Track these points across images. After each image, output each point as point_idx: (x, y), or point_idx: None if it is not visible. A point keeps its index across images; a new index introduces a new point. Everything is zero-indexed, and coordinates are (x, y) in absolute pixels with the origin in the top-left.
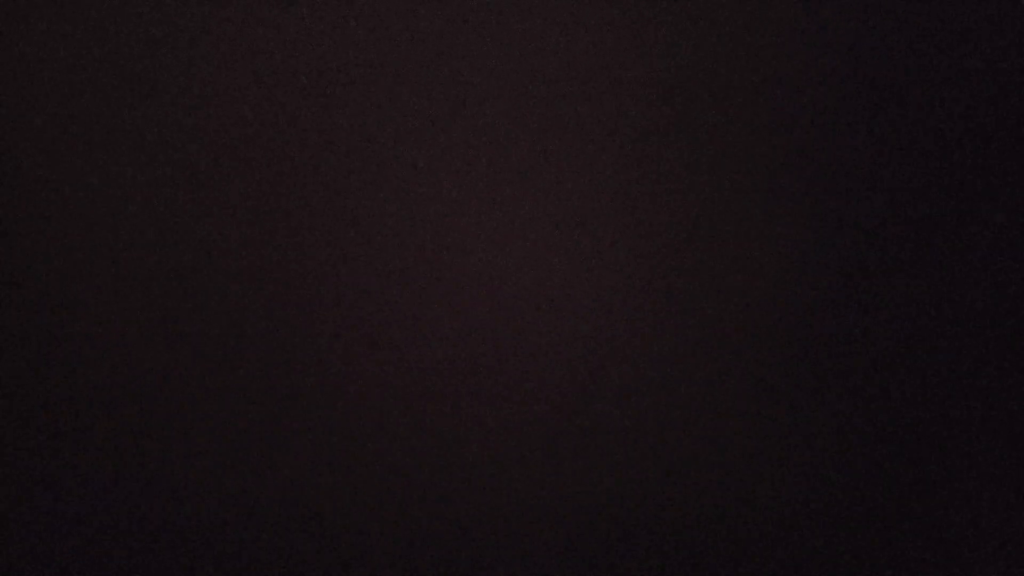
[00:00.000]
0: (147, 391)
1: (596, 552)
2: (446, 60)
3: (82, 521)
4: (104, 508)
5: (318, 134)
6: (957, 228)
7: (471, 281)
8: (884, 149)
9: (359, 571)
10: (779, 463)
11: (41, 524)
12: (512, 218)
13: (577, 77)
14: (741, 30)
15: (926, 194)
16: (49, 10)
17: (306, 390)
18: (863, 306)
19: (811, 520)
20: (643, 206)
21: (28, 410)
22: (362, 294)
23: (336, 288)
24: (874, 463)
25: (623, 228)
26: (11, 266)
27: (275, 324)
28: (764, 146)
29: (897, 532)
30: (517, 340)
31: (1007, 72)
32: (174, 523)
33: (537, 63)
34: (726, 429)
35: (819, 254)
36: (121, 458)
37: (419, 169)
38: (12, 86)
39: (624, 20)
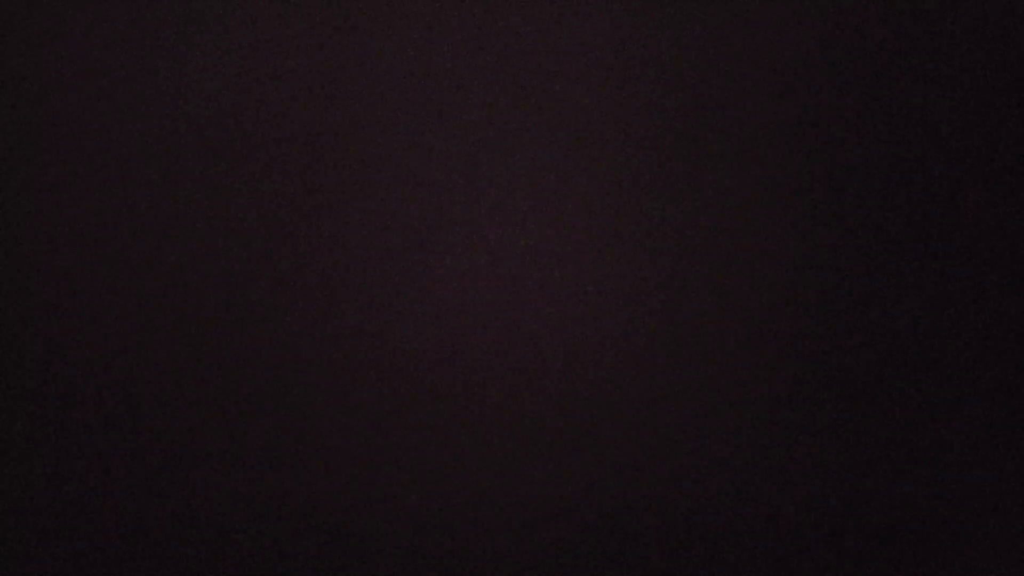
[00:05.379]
0: (146, 390)
1: (599, 552)
2: (447, 59)
3: (82, 521)
4: (103, 508)
5: (321, 133)
6: (958, 228)
7: (471, 280)
8: (889, 149)
9: (357, 569)
10: (780, 463)
11: (41, 524)
12: (513, 218)
13: (578, 76)
14: (745, 30)
15: (928, 194)
16: (50, 10)
17: (307, 390)
18: (867, 306)
19: (811, 520)
20: (644, 205)
21: (28, 410)
22: (363, 293)
23: (337, 287)
24: (875, 463)
25: (624, 227)
26: (11, 266)
27: (275, 323)
28: (767, 146)
29: (897, 532)
30: (518, 339)
31: (1007, 72)
32: (173, 523)
33: (538, 61)
34: (729, 429)
35: (822, 254)
36: (121, 458)
37: (421, 167)
38: (12, 85)
39: (626, 19)
